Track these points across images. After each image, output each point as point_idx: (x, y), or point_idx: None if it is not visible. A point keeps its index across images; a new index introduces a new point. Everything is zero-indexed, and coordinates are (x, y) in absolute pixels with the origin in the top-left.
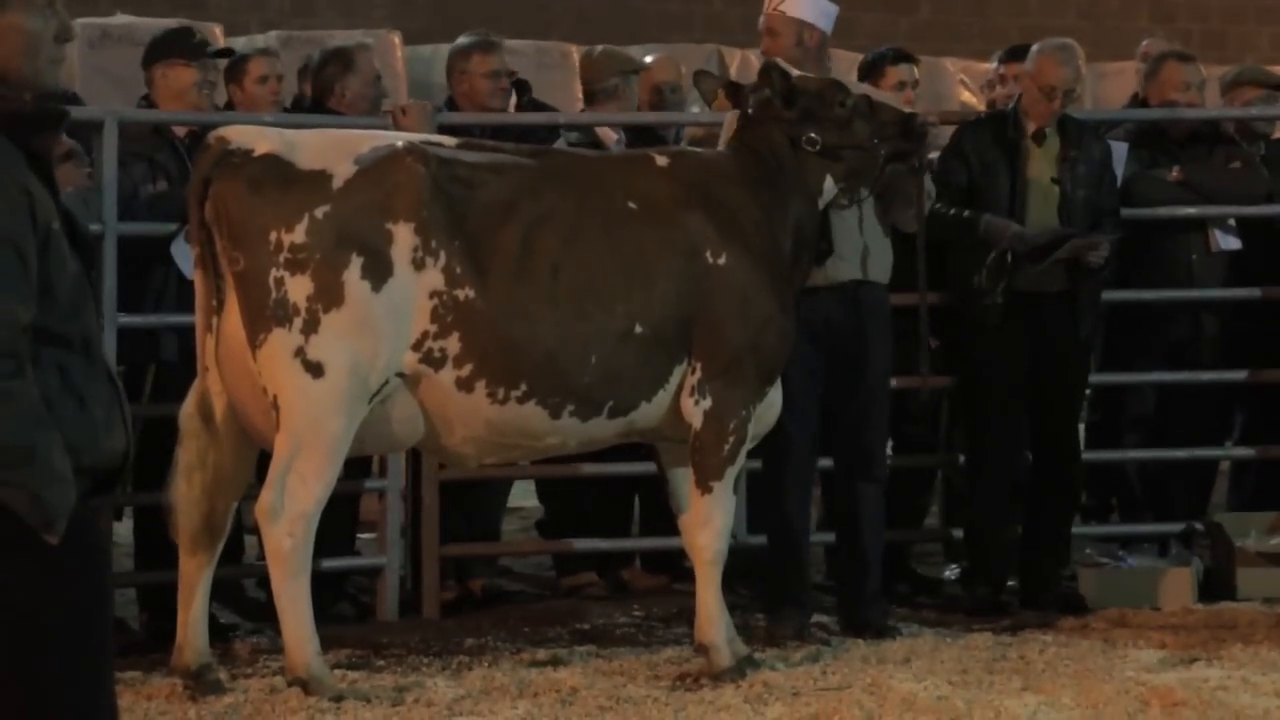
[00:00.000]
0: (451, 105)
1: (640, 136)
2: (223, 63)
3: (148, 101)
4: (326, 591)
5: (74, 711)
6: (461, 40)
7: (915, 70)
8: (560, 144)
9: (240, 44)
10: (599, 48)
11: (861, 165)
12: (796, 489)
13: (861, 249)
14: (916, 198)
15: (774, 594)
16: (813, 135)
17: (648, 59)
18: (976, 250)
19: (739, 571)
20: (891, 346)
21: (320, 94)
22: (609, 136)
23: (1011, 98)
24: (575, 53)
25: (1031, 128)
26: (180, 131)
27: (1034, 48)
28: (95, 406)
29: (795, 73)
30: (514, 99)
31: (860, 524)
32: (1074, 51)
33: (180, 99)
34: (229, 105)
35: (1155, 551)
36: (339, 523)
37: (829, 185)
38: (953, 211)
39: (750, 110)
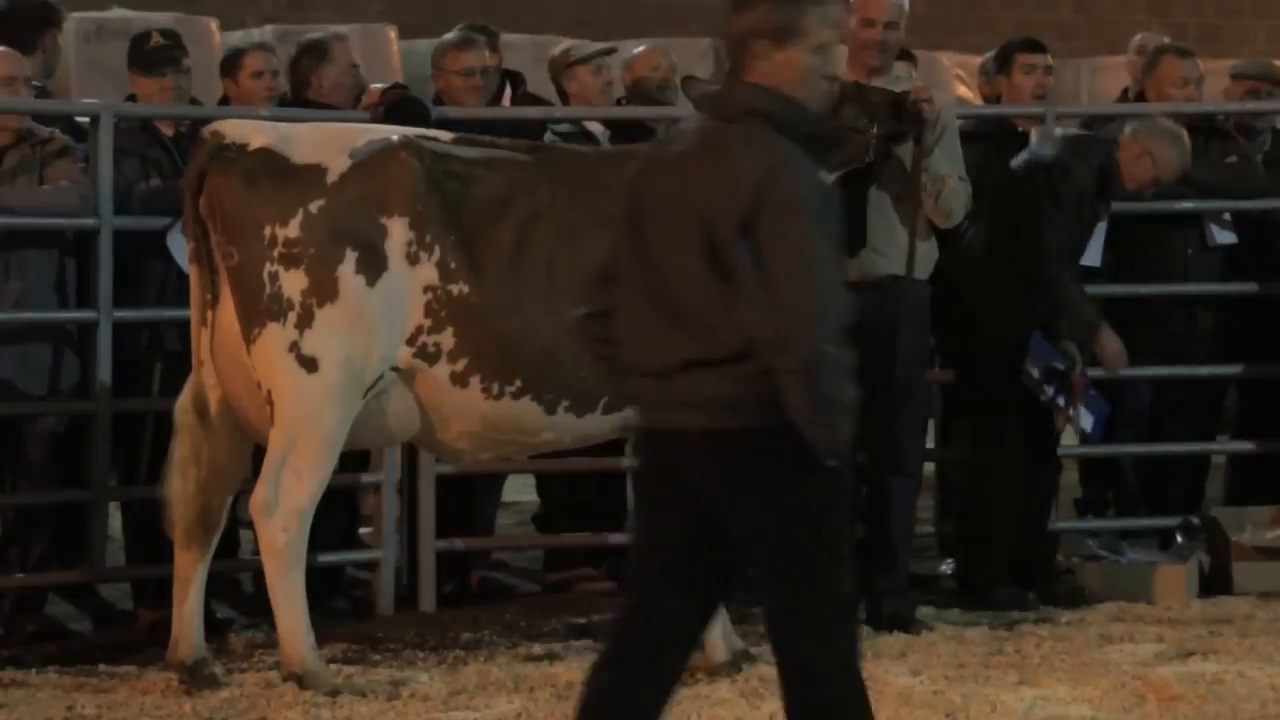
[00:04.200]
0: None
1: (630, 132)
2: (188, 64)
3: (135, 99)
4: (323, 586)
5: (842, 596)
6: (445, 36)
7: (913, 67)
8: (547, 136)
9: (236, 38)
10: (565, 44)
11: (854, 148)
12: None
13: (903, 245)
14: (914, 180)
15: None
16: None
17: (637, 50)
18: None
19: None
20: (926, 342)
21: (298, 86)
22: (596, 129)
23: (1014, 88)
24: None
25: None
26: (167, 131)
27: None
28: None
29: None
30: (508, 92)
31: (890, 518)
32: None
33: (152, 103)
34: (224, 100)
35: (1156, 545)
36: (338, 518)
37: (822, 173)
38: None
39: None
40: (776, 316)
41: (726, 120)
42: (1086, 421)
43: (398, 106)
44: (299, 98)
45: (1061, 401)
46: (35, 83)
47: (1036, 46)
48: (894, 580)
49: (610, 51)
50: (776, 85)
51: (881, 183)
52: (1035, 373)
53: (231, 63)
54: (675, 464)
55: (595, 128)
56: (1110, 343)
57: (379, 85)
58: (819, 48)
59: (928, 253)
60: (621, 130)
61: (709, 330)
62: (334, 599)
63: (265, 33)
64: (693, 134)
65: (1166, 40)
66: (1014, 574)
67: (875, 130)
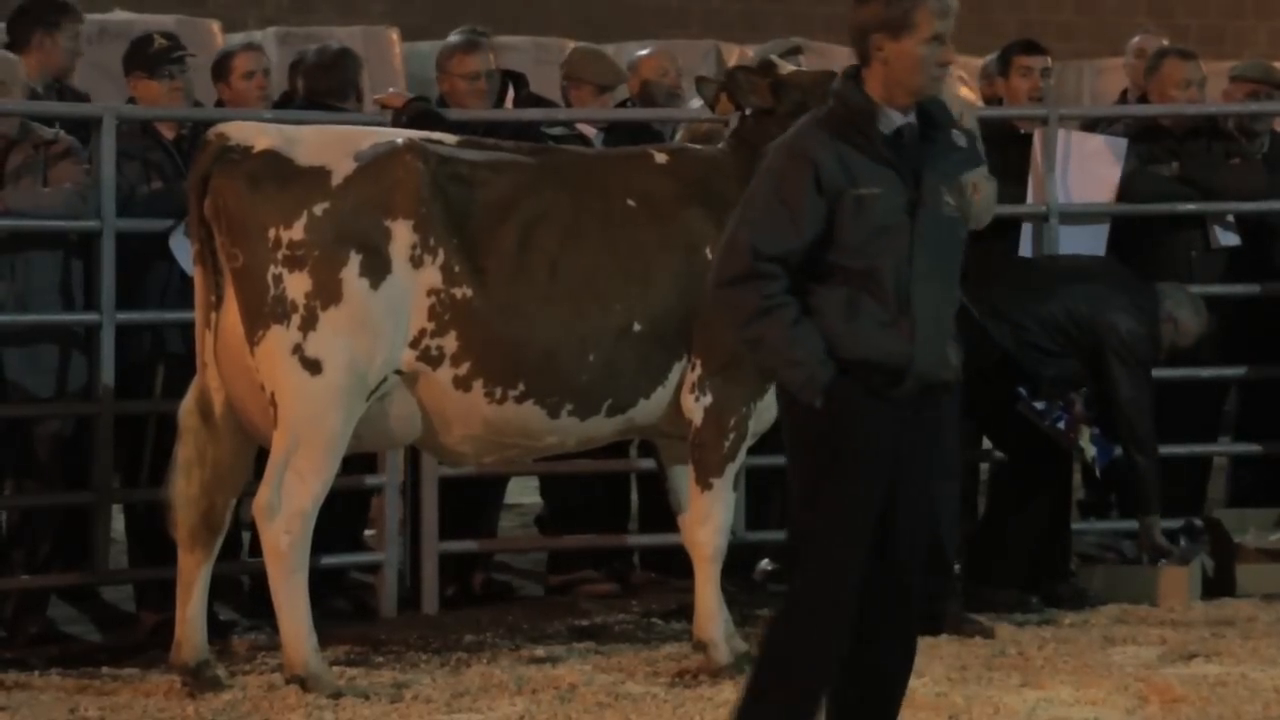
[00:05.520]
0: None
1: (637, 134)
2: (194, 63)
3: (135, 103)
4: (326, 587)
5: (799, 583)
6: (449, 39)
7: None
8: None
9: (238, 40)
10: (583, 48)
11: None
12: None
13: None
14: None
15: None
16: None
17: (641, 53)
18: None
19: (738, 568)
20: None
21: (342, 91)
22: (588, 131)
23: (1011, 90)
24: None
25: None
26: (168, 134)
27: None
28: (866, 318)
29: (788, 68)
30: (510, 93)
31: (938, 520)
32: None
33: (155, 106)
34: (218, 102)
35: None
36: (345, 519)
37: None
38: None
39: (747, 109)
40: None
41: None
42: (1091, 451)
43: (419, 120)
44: (327, 103)
45: (1062, 425)
46: (41, 84)
47: (1035, 48)
48: (942, 583)
49: (620, 81)
50: (893, 76)
51: None
52: (1037, 404)
53: (222, 65)
54: None
55: (588, 130)
56: (1152, 536)
57: (407, 95)
58: (932, 38)
59: None
60: (623, 132)
61: None
62: (336, 601)
63: (267, 35)
64: None
65: (1164, 42)
66: (1025, 578)
67: None
